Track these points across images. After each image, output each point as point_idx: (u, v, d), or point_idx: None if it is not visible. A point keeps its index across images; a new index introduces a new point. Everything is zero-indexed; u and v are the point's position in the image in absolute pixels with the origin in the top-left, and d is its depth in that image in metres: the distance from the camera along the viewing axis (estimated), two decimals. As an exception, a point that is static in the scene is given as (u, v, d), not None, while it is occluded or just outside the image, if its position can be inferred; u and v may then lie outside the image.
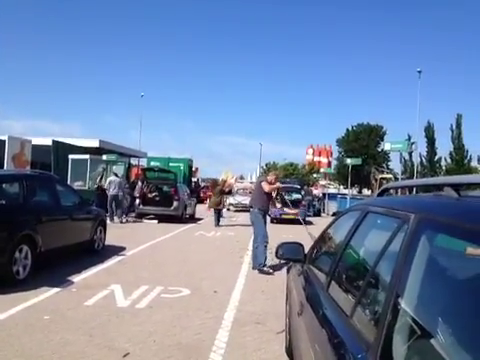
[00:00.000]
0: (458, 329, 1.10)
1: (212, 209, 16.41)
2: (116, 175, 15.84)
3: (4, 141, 14.55)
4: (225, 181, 17.30)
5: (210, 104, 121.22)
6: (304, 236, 6.97)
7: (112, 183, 15.12)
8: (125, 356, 3.71)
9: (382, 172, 33.44)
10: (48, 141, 17.87)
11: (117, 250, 9.14)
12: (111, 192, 14.95)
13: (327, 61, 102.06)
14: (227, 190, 17.11)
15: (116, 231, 11.43)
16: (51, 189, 7.85)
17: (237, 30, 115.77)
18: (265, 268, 7.64)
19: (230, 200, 23.95)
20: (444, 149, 44.16)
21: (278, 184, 8.80)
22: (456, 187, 1.50)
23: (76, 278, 6.54)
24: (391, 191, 2.65)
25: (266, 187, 8.09)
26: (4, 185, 7.13)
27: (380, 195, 2.40)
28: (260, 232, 7.95)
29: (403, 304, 1.32)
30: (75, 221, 8.15)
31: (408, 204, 1.80)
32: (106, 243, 9.36)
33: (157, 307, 5.22)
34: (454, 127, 38.61)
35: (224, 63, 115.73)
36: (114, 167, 19.68)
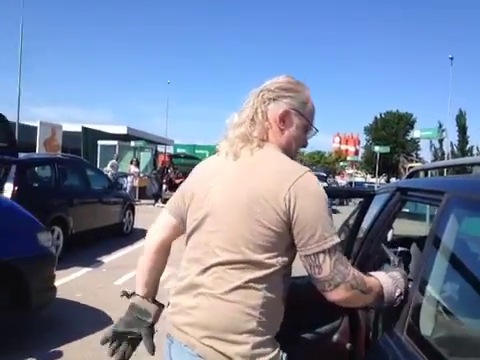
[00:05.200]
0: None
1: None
2: (131, 162, 16.05)
3: (36, 127, 14.97)
4: None
5: (235, 90, 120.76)
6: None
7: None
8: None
9: (411, 161, 32.71)
10: (78, 127, 18.19)
11: (145, 233, 9.27)
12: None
13: (355, 48, 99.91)
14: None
15: (144, 215, 11.65)
16: (81, 173, 8.07)
17: (264, 15, 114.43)
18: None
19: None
20: (476, 138, 42.78)
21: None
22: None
23: (106, 259, 6.75)
24: (420, 173, 2.61)
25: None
26: (37, 169, 7.39)
27: (409, 177, 2.37)
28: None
29: (431, 281, 1.32)
30: (105, 204, 8.37)
31: (438, 184, 1.78)
32: (135, 226, 9.58)
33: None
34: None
35: (251, 48, 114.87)
36: (141, 154, 19.99)
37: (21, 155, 6.80)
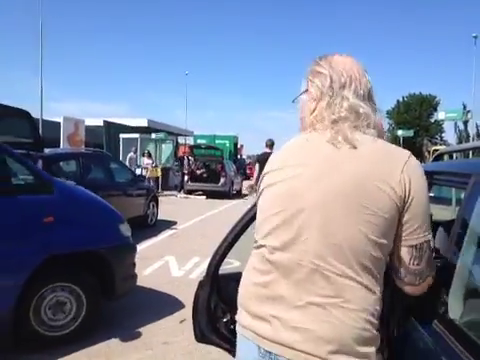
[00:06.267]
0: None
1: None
2: (143, 154, 16.30)
3: (59, 123, 15.28)
4: None
5: (254, 80, 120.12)
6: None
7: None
8: (182, 322, 3.92)
9: (435, 144, 32.00)
10: (99, 122, 18.49)
11: (169, 224, 9.49)
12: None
13: (374, 28, 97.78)
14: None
15: (167, 207, 11.82)
16: (105, 166, 8.23)
17: (282, 5, 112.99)
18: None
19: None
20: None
21: None
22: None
23: (132, 250, 6.87)
24: (446, 156, 2.56)
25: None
26: (62, 163, 7.56)
27: (435, 160, 2.34)
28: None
29: (460, 265, 1.31)
30: (129, 197, 8.51)
31: (465, 166, 1.75)
32: (158, 218, 9.72)
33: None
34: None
35: (267, 39, 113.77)
36: (163, 145, 20.16)
37: (46, 151, 6.96)
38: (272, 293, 1.12)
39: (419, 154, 38.43)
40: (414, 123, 42.65)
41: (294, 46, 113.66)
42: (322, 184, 1.09)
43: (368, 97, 1.20)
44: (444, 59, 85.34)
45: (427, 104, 45.58)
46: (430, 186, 2.06)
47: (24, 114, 6.47)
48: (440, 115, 14.91)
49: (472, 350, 1.06)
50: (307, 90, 1.25)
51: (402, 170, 1.07)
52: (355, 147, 1.09)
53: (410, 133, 26.57)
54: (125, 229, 4.01)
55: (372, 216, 1.04)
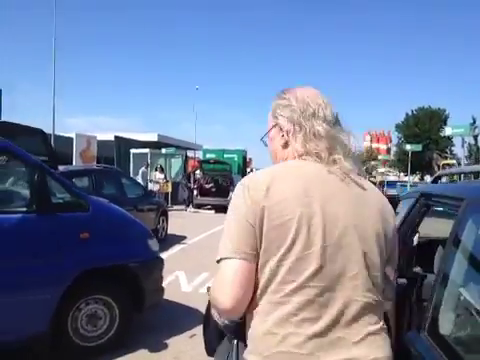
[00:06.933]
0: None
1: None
2: (155, 169, 16.50)
3: (69, 138, 15.58)
4: None
5: (261, 92, 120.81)
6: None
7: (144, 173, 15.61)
8: (192, 337, 4.01)
9: (445, 158, 31.84)
10: (110, 136, 18.74)
11: (179, 239, 9.60)
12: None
13: (383, 39, 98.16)
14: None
15: (177, 221, 11.95)
16: (117, 182, 8.42)
17: (291, 18, 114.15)
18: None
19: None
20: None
21: None
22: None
23: (143, 265, 6.98)
24: (444, 178, 2.66)
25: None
26: (76, 180, 7.74)
27: (434, 182, 2.44)
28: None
29: (450, 284, 1.41)
30: (140, 212, 8.64)
31: (459, 190, 1.86)
32: (168, 232, 9.84)
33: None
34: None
35: (278, 52, 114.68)
36: (173, 160, 20.36)
37: (60, 168, 7.16)
38: (329, 339, 1.05)
39: (429, 167, 38.27)
40: (424, 136, 42.54)
41: (304, 59, 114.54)
42: (349, 216, 1.13)
43: (338, 123, 1.25)
44: (453, 72, 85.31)
45: (437, 118, 45.46)
46: (428, 207, 2.18)
47: (38, 132, 6.69)
48: (447, 130, 14.85)
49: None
50: (276, 124, 1.27)
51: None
52: (355, 180, 1.19)
53: (418, 147, 26.46)
54: (153, 244, 4.20)
55: (386, 246, 1.18)
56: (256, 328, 1.08)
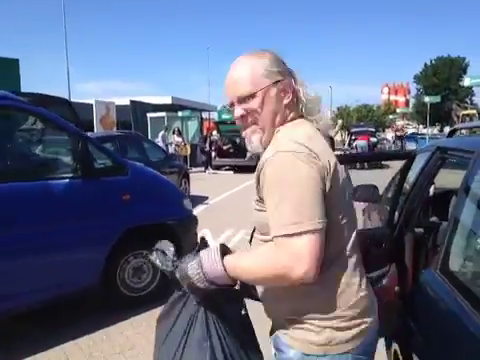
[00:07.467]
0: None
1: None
2: (173, 132, 16.60)
3: (87, 104, 15.76)
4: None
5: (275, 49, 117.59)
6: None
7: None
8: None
9: (465, 108, 31.01)
10: (126, 101, 18.78)
11: (201, 199, 9.93)
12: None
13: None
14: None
15: (197, 183, 12.25)
16: (139, 147, 8.69)
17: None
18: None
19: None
20: None
21: None
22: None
23: (170, 224, 7.33)
24: (462, 131, 2.78)
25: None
26: (100, 146, 8.03)
27: (450, 136, 2.57)
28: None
29: (460, 226, 1.62)
30: (163, 175, 8.93)
31: (472, 143, 2.01)
32: (190, 193, 10.17)
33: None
34: None
35: (289, 8, 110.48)
36: (189, 123, 20.45)
37: (86, 135, 7.42)
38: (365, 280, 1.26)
39: (448, 119, 37.38)
40: (443, 87, 41.48)
41: (317, 13, 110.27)
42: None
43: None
44: (472, 19, 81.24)
45: (456, 67, 44.07)
46: (443, 161, 2.33)
47: (64, 102, 6.92)
48: (466, 81, 14.40)
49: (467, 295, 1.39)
50: (278, 82, 1.20)
51: None
52: None
53: (437, 99, 25.88)
54: (187, 203, 4.54)
55: None
56: (335, 286, 1.17)
